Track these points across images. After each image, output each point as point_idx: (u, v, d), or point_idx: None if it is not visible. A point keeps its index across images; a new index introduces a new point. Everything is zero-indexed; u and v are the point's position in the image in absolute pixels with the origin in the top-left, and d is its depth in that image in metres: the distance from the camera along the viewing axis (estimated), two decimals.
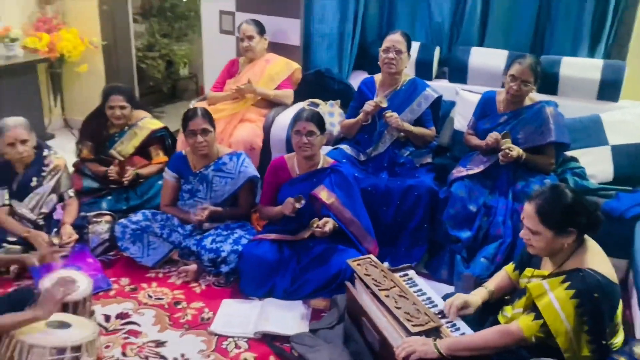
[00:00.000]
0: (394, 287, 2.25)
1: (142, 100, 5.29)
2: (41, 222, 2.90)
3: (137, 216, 2.91)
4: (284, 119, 3.36)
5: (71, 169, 3.36)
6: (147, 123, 3.39)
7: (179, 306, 2.59)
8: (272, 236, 2.76)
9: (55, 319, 1.95)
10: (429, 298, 2.27)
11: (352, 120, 3.18)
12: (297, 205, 2.68)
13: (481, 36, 3.62)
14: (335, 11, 3.72)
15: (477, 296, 2.14)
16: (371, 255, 2.48)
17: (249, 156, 3.33)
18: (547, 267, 2.01)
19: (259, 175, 3.00)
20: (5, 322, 1.82)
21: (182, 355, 2.27)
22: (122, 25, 4.89)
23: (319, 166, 2.83)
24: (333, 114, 3.53)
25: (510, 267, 2.19)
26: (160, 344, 2.33)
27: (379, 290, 2.23)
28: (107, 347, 2.29)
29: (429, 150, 3.16)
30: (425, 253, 2.98)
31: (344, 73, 3.82)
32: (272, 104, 3.60)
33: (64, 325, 1.94)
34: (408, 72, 3.23)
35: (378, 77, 3.19)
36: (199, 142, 2.84)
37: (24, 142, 2.81)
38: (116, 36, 4.86)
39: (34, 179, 2.91)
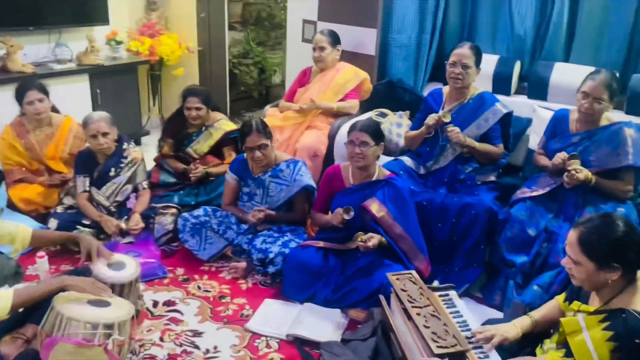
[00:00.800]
0: (429, 305, 2.18)
1: (233, 105, 5.58)
2: (113, 209, 3.15)
3: (199, 211, 3.05)
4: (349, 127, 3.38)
5: (152, 164, 3.63)
6: (222, 124, 3.55)
7: (223, 300, 2.69)
8: (320, 243, 2.77)
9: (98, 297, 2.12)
10: (464, 321, 2.17)
11: (415, 132, 3.12)
12: (346, 217, 2.66)
13: (567, 51, 3.38)
14: (414, 22, 3.67)
15: (517, 328, 2.00)
16: (413, 272, 2.42)
17: (313, 163, 3.40)
18: (594, 302, 1.84)
19: (314, 185, 3.02)
20: (38, 294, 2.02)
21: (215, 347, 2.35)
22: (218, 33, 5.19)
23: (374, 177, 2.79)
24: (401, 125, 3.48)
25: (561, 297, 2.03)
26: (197, 333, 2.44)
27: (412, 307, 2.17)
28: (148, 330, 2.43)
29: (494, 168, 3.00)
30: (481, 276, 2.83)
31: (419, 84, 3.75)
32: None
33: (103, 303, 2.10)
34: (478, 86, 3.10)
35: (446, 89, 3.10)
36: (257, 157, 2.93)
37: (105, 134, 3.07)
38: (211, 43, 5.17)
39: (113, 169, 3.17)
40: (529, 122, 3.25)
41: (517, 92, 3.52)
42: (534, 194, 2.70)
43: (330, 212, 2.89)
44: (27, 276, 2.73)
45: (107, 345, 1.97)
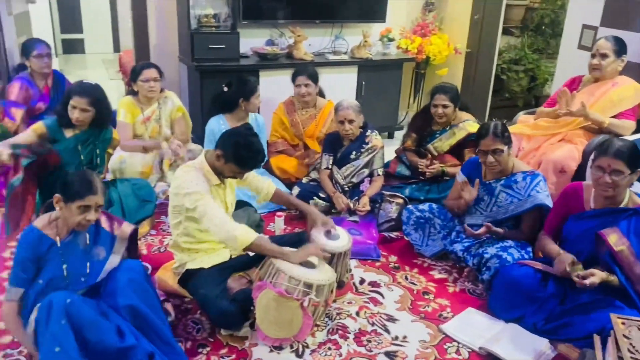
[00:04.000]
0: None
1: (493, 112, 5.40)
2: (347, 188, 3.41)
3: (424, 206, 3.05)
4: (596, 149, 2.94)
5: (393, 155, 3.78)
6: (467, 125, 3.48)
7: (426, 296, 2.67)
8: (539, 265, 2.51)
9: (309, 260, 2.34)
10: None
11: None
12: (569, 271, 2.32)
13: None
14: None
15: None
16: None
17: (558, 179, 3.09)
18: None
19: (550, 204, 2.70)
20: (267, 247, 2.30)
21: (404, 337, 2.36)
22: (490, 36, 5.06)
23: (621, 205, 2.39)
24: None
25: None
26: (391, 319, 2.48)
27: (631, 357, 1.84)
28: (349, 303, 2.58)
29: None
30: None
31: None
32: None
33: (310, 265, 2.31)
34: None
35: None
36: (489, 162, 2.74)
37: (350, 121, 3.32)
38: (481, 45, 5.08)
39: (354, 152, 3.41)
40: None
41: None
42: None
43: (561, 235, 2.59)
44: (266, 230, 3.15)
45: (304, 302, 2.17)
